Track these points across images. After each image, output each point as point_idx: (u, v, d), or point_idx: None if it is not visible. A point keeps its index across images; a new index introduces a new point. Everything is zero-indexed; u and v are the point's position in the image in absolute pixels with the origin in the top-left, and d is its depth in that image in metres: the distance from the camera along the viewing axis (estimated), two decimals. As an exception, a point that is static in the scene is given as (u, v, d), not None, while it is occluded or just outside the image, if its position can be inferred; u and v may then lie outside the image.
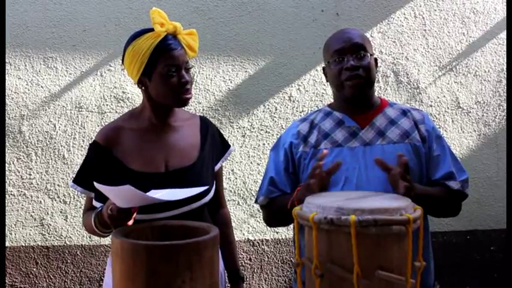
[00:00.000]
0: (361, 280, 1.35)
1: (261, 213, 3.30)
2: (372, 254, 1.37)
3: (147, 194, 1.66)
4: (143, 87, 1.93)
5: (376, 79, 3.48)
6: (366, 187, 1.88)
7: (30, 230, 3.39)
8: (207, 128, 2.05)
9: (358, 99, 1.98)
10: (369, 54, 1.95)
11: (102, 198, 1.80)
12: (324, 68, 2.06)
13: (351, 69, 1.91)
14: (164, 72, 1.85)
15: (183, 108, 2.00)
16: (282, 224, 2.16)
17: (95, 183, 1.65)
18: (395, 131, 1.96)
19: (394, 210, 1.41)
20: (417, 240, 1.44)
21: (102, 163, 1.92)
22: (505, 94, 3.61)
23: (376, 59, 2.03)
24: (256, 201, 2.13)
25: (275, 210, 2.05)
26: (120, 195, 1.63)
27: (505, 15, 3.60)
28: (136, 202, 1.66)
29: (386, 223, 1.37)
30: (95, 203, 1.91)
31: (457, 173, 1.96)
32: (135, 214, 1.69)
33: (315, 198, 1.56)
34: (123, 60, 1.94)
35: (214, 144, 2.06)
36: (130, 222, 1.70)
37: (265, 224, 3.46)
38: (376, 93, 3.48)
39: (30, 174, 3.38)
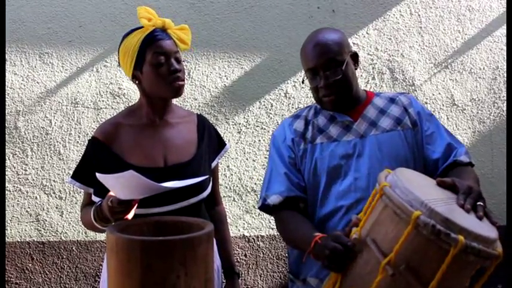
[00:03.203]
0: None
1: (256, 209, 3.31)
2: (451, 276, 1.31)
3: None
4: (137, 82, 1.95)
5: (372, 76, 3.52)
6: (364, 179, 1.89)
7: (26, 225, 3.39)
8: (203, 125, 2.07)
9: (340, 108, 1.99)
10: (342, 67, 1.91)
11: (101, 193, 1.81)
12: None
13: (325, 88, 1.92)
14: (153, 61, 1.88)
15: (180, 105, 2.01)
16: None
17: (97, 174, 1.66)
18: (387, 119, 1.97)
19: (492, 241, 1.34)
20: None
21: (101, 158, 1.93)
22: (500, 92, 3.62)
23: (355, 54, 2.00)
24: (263, 203, 1.97)
25: (290, 231, 1.89)
26: (122, 184, 1.63)
27: (500, 13, 3.61)
28: (137, 192, 1.66)
29: (485, 256, 1.30)
30: (94, 198, 1.92)
31: (457, 145, 1.95)
32: (135, 207, 1.70)
33: (410, 185, 1.41)
34: (119, 60, 1.97)
35: (211, 141, 2.07)
36: (130, 216, 1.70)
37: (260, 220, 3.49)
38: (371, 90, 3.50)
39: (25, 170, 3.39)
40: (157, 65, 1.88)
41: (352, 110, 2.00)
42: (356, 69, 2.00)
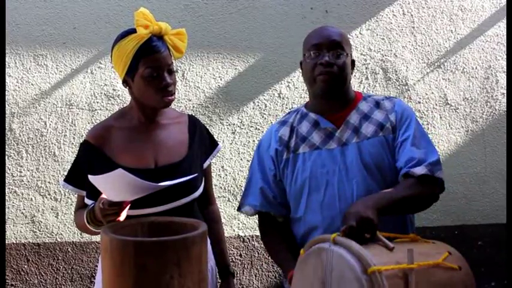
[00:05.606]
0: None
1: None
2: None
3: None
4: (128, 87, 1.95)
5: (365, 76, 3.54)
6: (347, 189, 1.88)
7: (21, 227, 3.39)
8: (195, 126, 2.07)
9: (329, 96, 1.96)
10: (345, 54, 1.95)
11: (94, 195, 1.82)
12: (301, 63, 2.04)
13: (325, 65, 1.91)
14: (145, 74, 1.86)
15: (174, 106, 2.01)
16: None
17: (88, 176, 1.67)
18: (369, 126, 1.95)
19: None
20: None
21: (93, 161, 1.94)
22: (492, 91, 3.64)
23: (353, 61, 2.03)
24: (239, 208, 2.11)
25: (272, 253, 2.09)
26: (112, 184, 1.64)
27: (492, 13, 3.63)
28: (128, 193, 1.67)
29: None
30: (87, 201, 1.93)
31: (426, 155, 1.87)
32: (126, 208, 1.71)
33: None
34: (111, 59, 1.96)
35: (202, 142, 2.08)
36: (122, 218, 1.71)
37: (255, 220, 3.49)
38: (365, 90, 3.53)
39: (20, 172, 3.39)
40: (149, 78, 1.87)
41: (337, 115, 1.98)
42: (351, 73, 2.02)
